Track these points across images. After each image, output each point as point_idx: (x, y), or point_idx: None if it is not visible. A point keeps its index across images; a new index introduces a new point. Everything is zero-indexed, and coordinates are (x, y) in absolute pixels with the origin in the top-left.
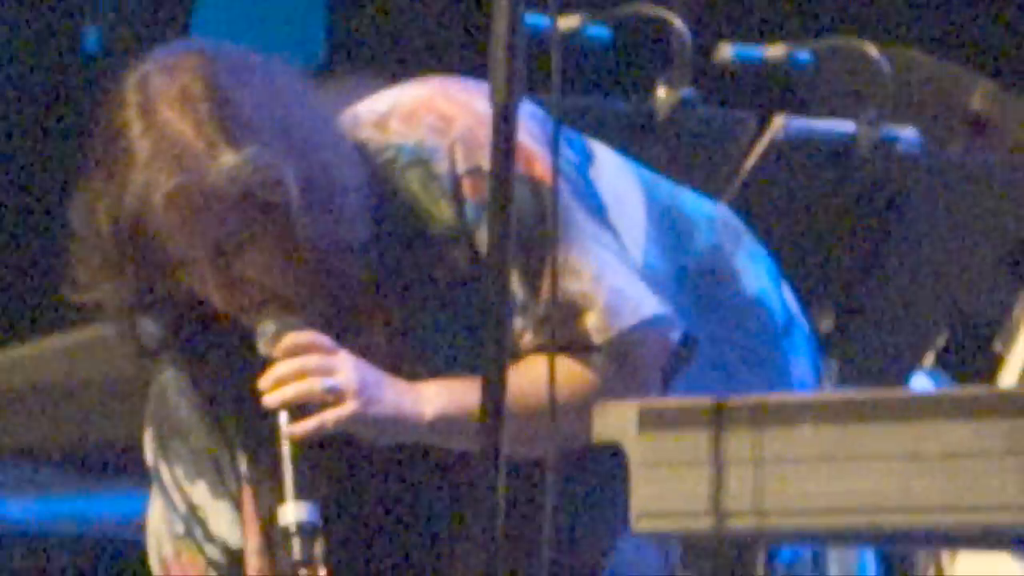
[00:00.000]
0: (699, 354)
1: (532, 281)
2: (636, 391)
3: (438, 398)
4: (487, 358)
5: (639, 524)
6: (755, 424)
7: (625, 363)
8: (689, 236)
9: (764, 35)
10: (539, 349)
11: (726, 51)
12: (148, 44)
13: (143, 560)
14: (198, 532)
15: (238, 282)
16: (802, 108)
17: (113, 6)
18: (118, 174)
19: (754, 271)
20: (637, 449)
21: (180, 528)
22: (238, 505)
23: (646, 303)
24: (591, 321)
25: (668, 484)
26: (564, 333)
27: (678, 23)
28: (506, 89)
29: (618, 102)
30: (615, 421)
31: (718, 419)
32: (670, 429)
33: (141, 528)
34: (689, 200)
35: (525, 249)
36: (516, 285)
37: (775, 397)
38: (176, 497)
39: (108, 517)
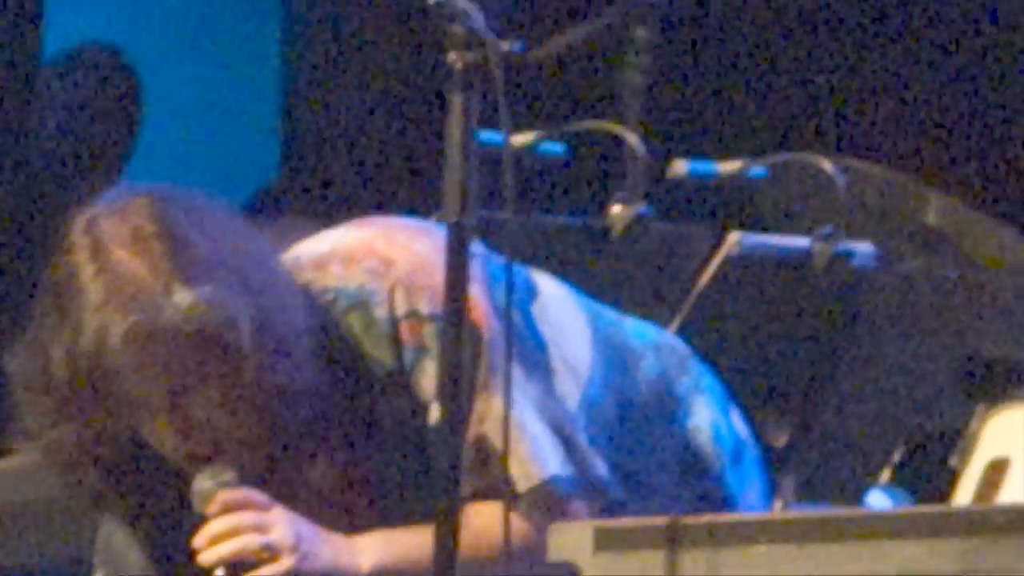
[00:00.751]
0: (635, 491)
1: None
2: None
3: (375, 550)
4: (439, 505)
5: None
6: (710, 544)
7: (549, 513)
8: (635, 365)
9: (718, 150)
10: (470, 496)
11: (680, 166)
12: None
13: None
14: None
15: (190, 425)
16: (757, 223)
17: (61, 132)
18: (71, 318)
19: (700, 399)
20: (593, 569)
21: None
22: None
23: (551, 461)
24: (513, 469)
25: None
26: (488, 479)
27: (632, 139)
28: (460, 206)
29: (573, 218)
30: (571, 541)
31: (673, 539)
32: (625, 549)
33: None
34: (634, 328)
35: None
36: None
37: (730, 517)
38: None
39: None
